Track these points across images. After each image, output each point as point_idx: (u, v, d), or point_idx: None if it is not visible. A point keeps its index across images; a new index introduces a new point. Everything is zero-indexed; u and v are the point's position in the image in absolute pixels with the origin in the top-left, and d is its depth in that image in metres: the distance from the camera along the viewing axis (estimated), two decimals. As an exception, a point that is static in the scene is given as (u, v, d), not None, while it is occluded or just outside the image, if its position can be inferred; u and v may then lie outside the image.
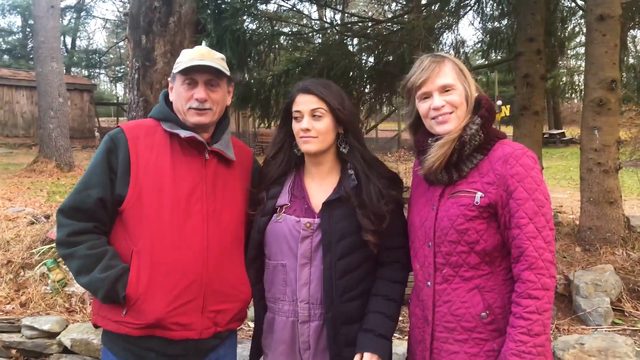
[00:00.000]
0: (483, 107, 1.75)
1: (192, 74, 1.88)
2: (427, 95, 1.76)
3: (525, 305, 1.57)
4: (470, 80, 1.78)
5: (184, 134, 1.86)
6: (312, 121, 1.88)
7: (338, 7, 7.05)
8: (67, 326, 3.78)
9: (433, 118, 1.76)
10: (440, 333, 1.75)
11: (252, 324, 2.10)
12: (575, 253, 4.68)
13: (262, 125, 6.79)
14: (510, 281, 1.67)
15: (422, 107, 1.78)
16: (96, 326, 1.90)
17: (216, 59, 1.92)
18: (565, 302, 3.91)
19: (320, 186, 1.95)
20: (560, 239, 5.05)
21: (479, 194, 1.66)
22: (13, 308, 4.10)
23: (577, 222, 5.31)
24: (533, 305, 1.56)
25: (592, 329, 3.53)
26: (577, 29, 7.97)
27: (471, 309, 1.69)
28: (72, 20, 32.28)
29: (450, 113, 1.73)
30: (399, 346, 3.17)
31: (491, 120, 1.76)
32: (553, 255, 1.61)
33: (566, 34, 7.23)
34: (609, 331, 3.44)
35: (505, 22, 7.05)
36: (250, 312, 2.07)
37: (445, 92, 1.74)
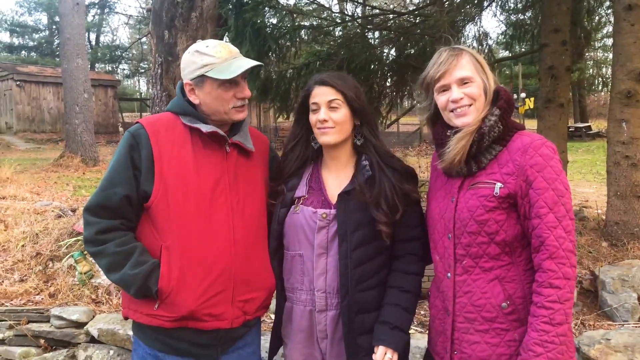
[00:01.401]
0: (501, 98, 1.75)
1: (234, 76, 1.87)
2: (446, 88, 1.77)
3: (547, 294, 1.57)
4: (488, 72, 1.78)
5: (205, 128, 1.87)
6: (329, 112, 1.91)
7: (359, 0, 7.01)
8: (94, 316, 3.87)
9: (451, 110, 1.76)
10: (461, 324, 1.75)
11: (273, 316, 2.12)
12: (601, 248, 4.60)
13: (281, 117, 6.81)
14: (531, 271, 1.67)
15: (441, 99, 1.79)
16: (127, 318, 1.94)
17: (243, 56, 1.95)
18: (590, 298, 3.85)
19: (337, 178, 1.98)
20: (586, 234, 4.96)
21: (499, 184, 1.66)
22: (42, 299, 4.21)
23: (604, 217, 5.20)
24: (555, 295, 1.56)
25: (619, 324, 3.47)
26: (604, 20, 7.78)
27: (492, 299, 1.69)
28: (96, 17, 32.77)
29: (469, 105, 1.74)
30: (421, 340, 3.17)
31: (510, 111, 1.76)
32: (574, 244, 1.61)
33: (593, 24, 7.06)
34: (636, 327, 3.37)
35: (529, 14, 6.92)
36: (272, 303, 2.09)
37: (463, 84, 1.74)
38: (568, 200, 1.62)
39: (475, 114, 1.73)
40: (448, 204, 1.78)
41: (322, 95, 1.93)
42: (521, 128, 1.76)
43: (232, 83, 1.88)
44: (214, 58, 1.86)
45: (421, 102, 1.92)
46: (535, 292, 1.61)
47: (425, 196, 1.98)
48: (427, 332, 2.06)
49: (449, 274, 1.77)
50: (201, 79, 1.88)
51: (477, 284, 1.72)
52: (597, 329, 3.37)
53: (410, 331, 2.03)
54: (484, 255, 1.70)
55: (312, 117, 1.95)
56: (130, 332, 3.04)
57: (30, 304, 4.13)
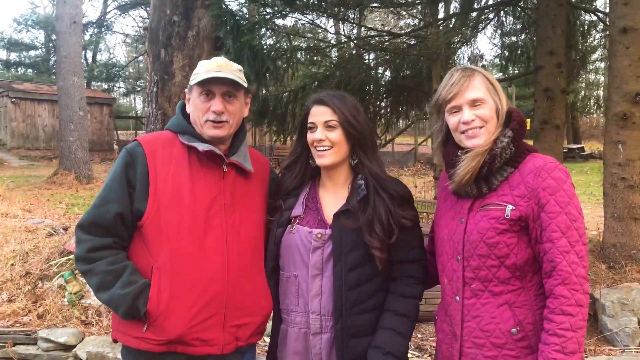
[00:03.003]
0: (514, 120, 1.72)
1: (209, 85, 1.86)
2: (457, 109, 1.74)
3: (559, 321, 1.52)
4: (500, 93, 1.75)
5: (202, 147, 1.84)
6: (325, 132, 1.88)
7: (355, 21, 7.07)
8: (83, 339, 3.78)
9: (463, 132, 1.73)
10: (469, 349, 1.70)
11: (268, 339, 2.06)
12: (599, 270, 4.57)
13: (278, 141, 6.81)
14: (542, 297, 1.62)
15: (452, 120, 1.76)
16: (116, 341, 1.88)
17: (233, 71, 1.90)
18: (590, 322, 3.80)
19: (333, 197, 1.94)
20: (583, 256, 4.93)
21: (510, 206, 1.62)
22: (30, 320, 4.11)
23: (600, 238, 5.18)
24: (567, 322, 1.51)
25: (620, 349, 3.42)
26: (595, 43, 7.89)
27: (501, 324, 1.64)
28: (94, 36, 32.94)
29: (480, 127, 1.71)
30: (419, 365, 3.10)
31: (522, 133, 1.72)
32: (586, 270, 1.56)
33: (587, 47, 7.15)
34: (638, 352, 3.32)
35: (523, 36, 7.00)
36: (268, 325, 2.03)
37: (475, 106, 1.71)
38: (581, 224, 1.58)
39: (486, 136, 1.70)
40: (457, 225, 1.74)
41: (319, 114, 1.90)
42: (533, 150, 1.73)
43: (209, 95, 1.87)
44: (201, 68, 1.89)
45: (426, 122, 1.90)
46: (546, 319, 1.56)
47: (424, 216, 1.95)
48: (425, 356, 2.01)
49: (457, 297, 1.72)
50: (190, 88, 1.93)
51: (486, 309, 1.67)
52: (599, 354, 3.32)
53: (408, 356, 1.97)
54: (494, 279, 1.65)
55: (309, 136, 1.93)
56: (120, 356, 2.97)
57: (18, 325, 4.03)
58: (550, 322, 1.54)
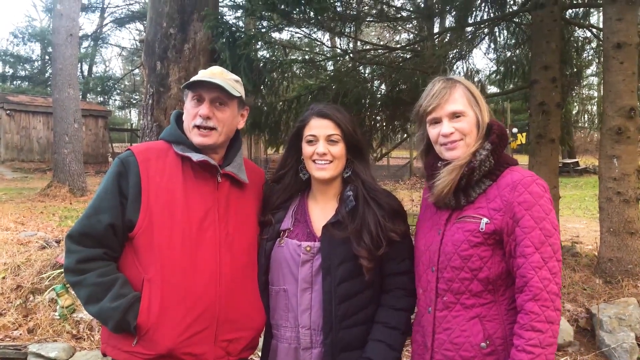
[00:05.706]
0: (494, 132, 1.73)
1: (198, 89, 1.85)
2: (437, 121, 1.75)
3: (528, 337, 1.51)
4: (482, 105, 1.76)
5: (196, 157, 1.82)
6: (328, 145, 1.87)
7: (351, 35, 7.10)
8: (74, 354, 3.71)
9: (442, 144, 1.74)
10: None
11: (260, 354, 2.03)
12: (595, 285, 4.54)
13: (271, 150, 6.81)
14: (514, 311, 1.62)
15: (432, 132, 1.78)
16: (105, 355, 1.83)
17: (227, 79, 1.88)
18: (587, 337, 3.77)
19: (323, 210, 1.93)
20: (580, 270, 4.92)
21: (485, 219, 1.63)
22: (20, 334, 4.04)
23: (596, 253, 5.17)
24: (536, 339, 1.50)
25: (617, 365, 3.38)
26: (589, 58, 7.94)
27: (471, 338, 1.64)
28: (90, 48, 33.01)
29: (459, 140, 1.72)
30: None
31: (502, 146, 1.73)
32: (559, 287, 1.55)
33: (582, 62, 7.20)
34: (636, 368, 3.29)
35: (518, 51, 7.04)
36: (260, 340, 2.00)
37: (455, 118, 1.72)
38: (556, 240, 1.58)
39: (465, 149, 1.71)
40: (434, 236, 1.74)
41: (321, 128, 1.88)
42: (514, 163, 1.74)
43: (199, 100, 1.86)
44: (198, 75, 1.88)
45: (415, 135, 1.90)
46: (516, 335, 1.55)
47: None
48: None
49: (430, 309, 1.73)
50: (186, 94, 1.92)
51: (456, 321, 1.67)
52: (596, 370, 3.29)
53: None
54: (466, 292, 1.66)
55: (308, 149, 1.90)
56: (111, 372, 2.91)
57: (8, 339, 3.95)
58: (519, 338, 1.53)
